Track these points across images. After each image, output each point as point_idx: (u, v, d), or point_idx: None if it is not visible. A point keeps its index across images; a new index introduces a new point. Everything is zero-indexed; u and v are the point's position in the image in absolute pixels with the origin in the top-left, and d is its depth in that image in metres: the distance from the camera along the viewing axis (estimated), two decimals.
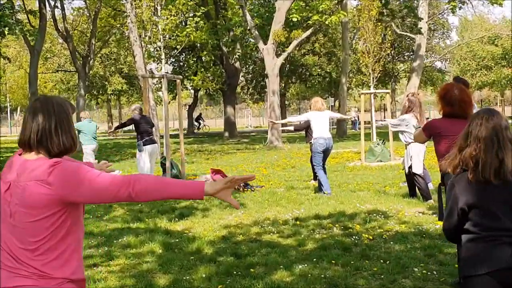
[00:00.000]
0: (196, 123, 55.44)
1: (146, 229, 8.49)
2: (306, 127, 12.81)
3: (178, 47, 29.78)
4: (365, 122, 19.10)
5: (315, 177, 12.75)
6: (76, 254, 2.77)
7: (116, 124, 62.30)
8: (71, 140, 2.77)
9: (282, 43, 30.03)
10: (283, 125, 16.52)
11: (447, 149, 4.78)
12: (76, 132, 15.37)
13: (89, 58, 32.22)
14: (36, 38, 27.61)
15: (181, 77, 15.48)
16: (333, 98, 48.57)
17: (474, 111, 4.34)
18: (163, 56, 15.02)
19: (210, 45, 33.99)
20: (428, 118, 12.32)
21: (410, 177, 10.29)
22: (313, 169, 12.58)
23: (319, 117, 11.48)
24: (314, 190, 11.90)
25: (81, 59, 32.72)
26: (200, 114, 59.52)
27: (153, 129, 14.36)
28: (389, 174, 14.49)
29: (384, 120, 12.88)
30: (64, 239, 2.70)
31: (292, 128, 14.02)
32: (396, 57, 50.35)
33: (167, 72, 15.80)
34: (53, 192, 2.60)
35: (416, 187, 10.26)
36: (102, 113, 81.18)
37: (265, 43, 27.87)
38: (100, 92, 51.66)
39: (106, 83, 49.44)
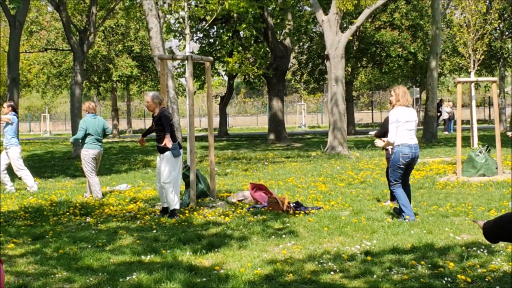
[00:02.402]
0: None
1: (163, 264, 8.59)
2: (385, 132, 12.74)
3: (207, 18, 30.03)
4: (462, 121, 18.91)
5: (393, 197, 12.69)
6: None
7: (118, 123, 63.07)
8: None
9: (349, 12, 29.99)
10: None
11: None
12: (82, 133, 15.43)
13: (88, 33, 32.66)
14: (18, 5, 27.93)
15: (211, 58, 15.57)
16: (418, 88, 48.38)
17: None
18: (187, 31, 15.11)
19: (251, 16, 34.16)
20: None
21: None
22: (390, 185, 12.52)
23: (406, 116, 11.37)
24: (391, 214, 11.85)
25: (77, 33, 33.20)
26: (441, 100, 57.93)
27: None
28: (495, 194, 14.34)
29: None
30: None
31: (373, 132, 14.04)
32: (507, 33, 49.76)
33: (192, 52, 15.91)
34: None
35: None
36: (105, 106, 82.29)
37: (326, 13, 27.87)
38: (103, 78, 52.31)
39: (111, 66, 50.06)
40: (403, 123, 11.26)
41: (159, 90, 14.92)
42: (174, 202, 12.37)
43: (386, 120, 12.45)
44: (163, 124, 12.38)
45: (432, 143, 32.60)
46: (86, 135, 15.23)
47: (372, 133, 14.81)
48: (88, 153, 15.29)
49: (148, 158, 27.53)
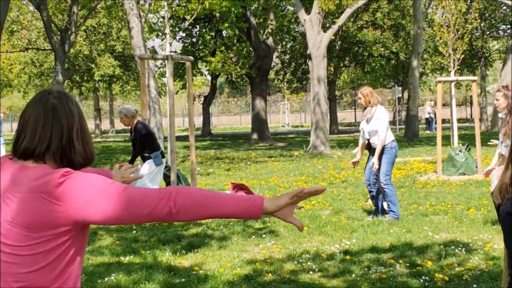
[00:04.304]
0: None
1: (142, 265, 8.59)
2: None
3: (188, 17, 30.00)
4: (443, 120, 18.96)
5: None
6: None
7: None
8: (92, 149, 2.91)
9: (331, 12, 30.05)
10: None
11: None
12: None
13: (69, 32, 32.58)
14: None
15: (192, 58, 15.52)
16: (400, 88, 48.49)
17: None
18: (167, 30, 15.11)
19: (234, 15, 34.17)
20: None
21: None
22: (383, 183, 12.59)
23: None
24: (372, 213, 11.88)
25: (58, 33, 33.10)
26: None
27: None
28: (474, 192, 14.42)
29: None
30: (63, 272, 2.74)
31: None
32: (488, 32, 50.03)
33: (174, 52, 15.92)
34: (63, 209, 2.63)
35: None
36: (87, 106, 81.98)
37: (308, 13, 27.91)
38: (85, 78, 52.13)
39: (93, 65, 49.91)
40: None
41: (140, 90, 14.90)
42: None
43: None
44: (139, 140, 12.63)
45: (414, 142, 32.70)
46: None
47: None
48: None
49: (130, 158, 27.42)
